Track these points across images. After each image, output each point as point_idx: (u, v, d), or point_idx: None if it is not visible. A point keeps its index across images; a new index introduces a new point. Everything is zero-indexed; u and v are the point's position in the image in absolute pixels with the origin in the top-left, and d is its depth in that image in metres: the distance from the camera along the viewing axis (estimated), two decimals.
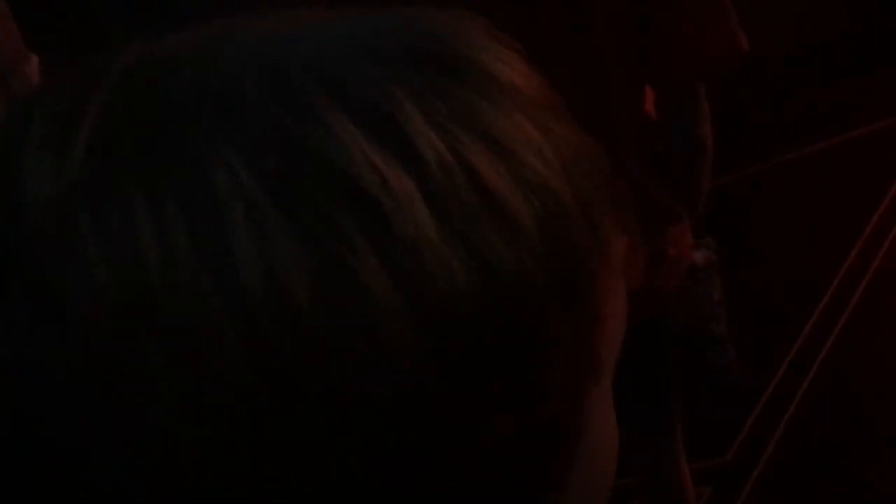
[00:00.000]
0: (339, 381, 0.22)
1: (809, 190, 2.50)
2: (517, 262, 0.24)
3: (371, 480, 0.23)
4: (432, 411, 0.23)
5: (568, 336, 0.26)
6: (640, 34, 1.05)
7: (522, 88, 0.27)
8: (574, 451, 0.28)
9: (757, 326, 1.99)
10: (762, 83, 2.60)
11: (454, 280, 0.23)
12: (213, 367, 0.22)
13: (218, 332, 0.22)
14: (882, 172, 2.49)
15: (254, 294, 0.22)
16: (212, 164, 0.23)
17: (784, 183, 2.58)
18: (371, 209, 0.23)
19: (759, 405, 1.94)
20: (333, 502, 0.23)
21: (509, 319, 0.24)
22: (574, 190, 0.26)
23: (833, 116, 2.69)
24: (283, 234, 0.22)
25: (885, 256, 2.25)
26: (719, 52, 1.11)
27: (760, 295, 2.13)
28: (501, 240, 0.24)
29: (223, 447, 0.22)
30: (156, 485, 0.22)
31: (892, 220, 2.35)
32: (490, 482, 0.25)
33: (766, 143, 2.67)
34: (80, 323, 0.22)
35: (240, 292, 0.22)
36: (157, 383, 0.22)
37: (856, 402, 1.96)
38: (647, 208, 1.12)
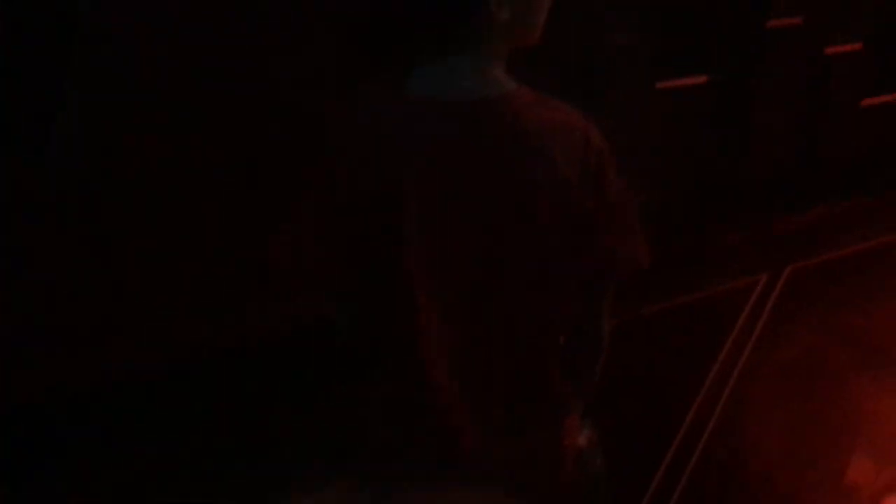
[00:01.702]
0: None
1: (654, 345, 2.72)
2: None
3: None
4: None
5: None
6: (575, 232, 1.15)
7: None
8: None
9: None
10: None
11: None
12: None
13: None
14: (718, 330, 2.89)
15: None
16: None
17: (629, 339, 2.79)
18: None
19: None
20: None
21: None
22: None
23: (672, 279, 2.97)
24: None
25: (726, 404, 2.63)
26: (635, 255, 1.22)
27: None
28: None
29: None
30: None
31: (729, 373, 2.75)
32: None
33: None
34: None
35: None
36: None
37: None
38: (552, 401, 1.22)
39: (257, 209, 2.42)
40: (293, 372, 2.21)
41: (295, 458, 2.09)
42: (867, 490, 2.46)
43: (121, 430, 2.18)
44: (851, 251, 3.44)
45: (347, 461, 1.24)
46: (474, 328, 1.15)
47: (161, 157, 2.27)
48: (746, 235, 3.51)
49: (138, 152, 2.22)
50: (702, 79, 3.26)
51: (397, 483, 1.17)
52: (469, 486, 1.16)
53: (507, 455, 1.19)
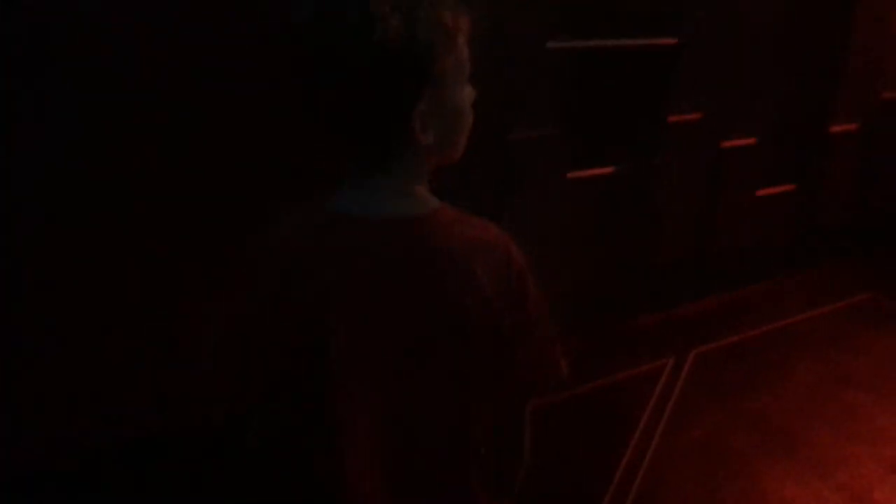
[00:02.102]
0: None
1: (568, 431, 2.77)
2: None
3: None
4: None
5: None
6: (496, 349, 1.15)
7: None
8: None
9: None
10: None
11: None
12: None
13: None
14: (629, 415, 2.98)
15: None
16: None
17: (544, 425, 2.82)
18: None
19: None
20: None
21: None
22: None
23: (584, 365, 3.07)
24: None
25: (640, 487, 2.65)
26: (554, 369, 1.22)
27: None
28: None
29: None
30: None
31: (643, 456, 2.79)
32: None
33: None
34: None
35: None
36: None
37: None
38: None
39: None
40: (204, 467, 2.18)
41: None
42: None
43: None
44: (750, 334, 3.60)
45: None
46: (396, 442, 1.14)
47: None
48: (652, 321, 3.64)
49: None
50: (609, 169, 3.41)
51: None
52: None
53: None
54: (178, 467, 2.28)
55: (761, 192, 3.95)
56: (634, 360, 3.30)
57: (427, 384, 1.13)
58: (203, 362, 1.30)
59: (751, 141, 3.80)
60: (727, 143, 3.74)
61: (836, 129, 4.09)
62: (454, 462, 1.18)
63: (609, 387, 3.13)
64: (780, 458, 2.74)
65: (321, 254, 1.10)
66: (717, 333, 3.56)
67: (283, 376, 1.12)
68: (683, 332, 3.56)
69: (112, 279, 2.32)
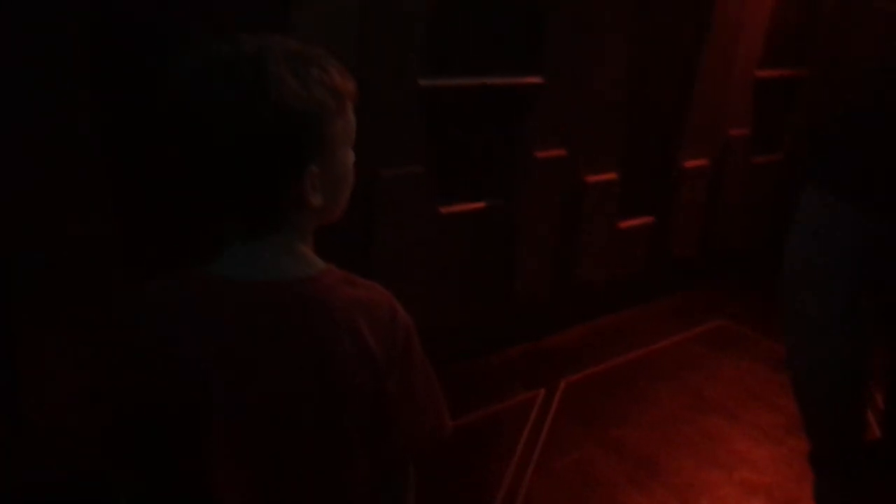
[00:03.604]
0: None
1: (445, 465, 2.77)
2: None
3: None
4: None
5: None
6: (380, 408, 1.15)
7: None
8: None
9: None
10: None
11: None
12: None
13: None
14: (504, 447, 3.04)
15: None
16: None
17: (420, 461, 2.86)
18: None
19: None
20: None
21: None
22: None
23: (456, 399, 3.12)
24: None
25: None
26: (438, 427, 1.24)
27: None
28: None
29: None
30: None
31: (520, 483, 2.85)
32: None
33: None
34: None
35: None
36: None
37: None
38: None
39: None
40: None
41: None
42: None
43: None
44: (614, 363, 3.74)
45: None
46: None
47: None
48: (522, 352, 3.72)
49: None
50: (481, 204, 3.47)
51: None
52: None
53: None
54: None
55: (623, 225, 4.12)
56: (507, 392, 3.36)
57: (311, 451, 1.12)
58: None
59: (612, 176, 3.96)
60: (591, 178, 3.88)
61: (689, 164, 4.32)
62: None
63: (484, 419, 3.17)
64: (646, 486, 2.85)
65: (201, 319, 1.06)
66: (585, 363, 3.67)
67: (155, 447, 1.08)
68: (553, 362, 3.65)
69: None
